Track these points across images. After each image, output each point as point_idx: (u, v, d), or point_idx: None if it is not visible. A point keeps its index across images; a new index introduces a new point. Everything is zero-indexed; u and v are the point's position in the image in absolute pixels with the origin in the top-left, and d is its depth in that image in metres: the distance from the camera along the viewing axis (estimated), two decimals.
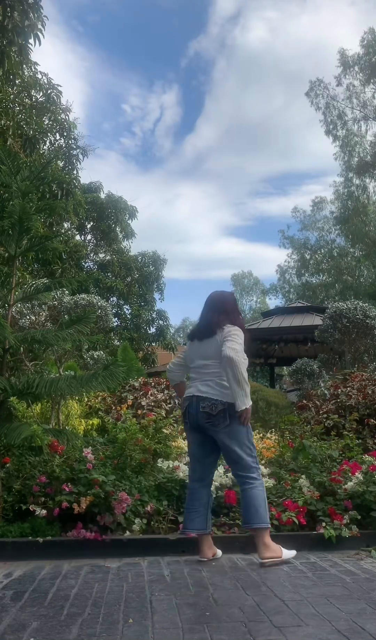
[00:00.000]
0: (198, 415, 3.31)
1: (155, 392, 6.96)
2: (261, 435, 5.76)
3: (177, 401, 6.91)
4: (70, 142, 14.05)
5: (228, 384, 3.22)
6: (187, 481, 3.88)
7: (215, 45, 66.67)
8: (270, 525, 3.28)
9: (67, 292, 8.04)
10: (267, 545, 3.22)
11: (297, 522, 3.62)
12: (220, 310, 3.47)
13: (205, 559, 3.29)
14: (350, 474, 4.06)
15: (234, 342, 3.25)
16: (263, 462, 4.52)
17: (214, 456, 3.47)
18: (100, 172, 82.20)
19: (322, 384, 8.01)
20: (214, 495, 3.87)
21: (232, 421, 3.25)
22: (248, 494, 3.26)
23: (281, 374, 26.68)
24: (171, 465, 4.15)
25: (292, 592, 2.73)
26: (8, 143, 9.03)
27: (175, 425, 5.40)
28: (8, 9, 6.48)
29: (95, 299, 8.69)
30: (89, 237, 21.64)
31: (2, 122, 9.55)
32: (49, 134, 12.89)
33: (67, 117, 13.28)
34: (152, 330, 21.20)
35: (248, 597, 2.66)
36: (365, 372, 7.56)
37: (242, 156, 77.04)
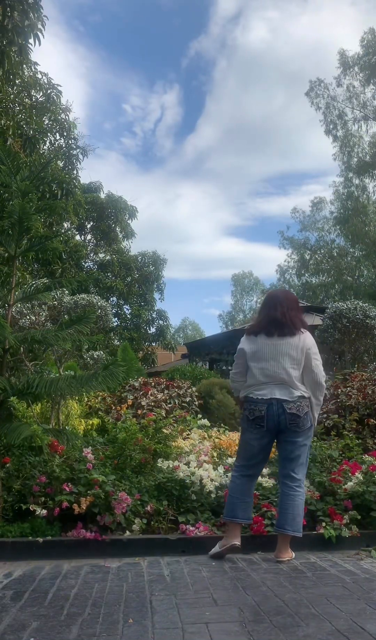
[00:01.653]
0: (282, 416, 3.31)
1: (155, 392, 6.96)
2: None
3: (176, 401, 6.91)
4: (70, 142, 14.07)
5: (312, 400, 3.40)
6: (187, 481, 3.89)
7: (215, 45, 66.83)
8: (301, 535, 3.35)
9: (67, 292, 8.06)
10: (287, 550, 3.35)
11: None
12: (292, 307, 3.50)
13: (239, 544, 3.32)
14: (350, 474, 4.06)
15: (320, 362, 3.43)
16: None
17: (268, 455, 3.56)
18: (100, 172, 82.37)
19: None
20: (214, 496, 3.88)
21: (312, 423, 3.39)
22: (291, 500, 3.34)
23: None
24: (171, 465, 4.14)
25: (292, 592, 2.73)
26: (8, 143, 9.02)
27: (175, 425, 5.40)
28: (8, 8, 6.48)
29: (95, 299, 8.71)
30: (89, 237, 21.65)
31: (2, 122, 9.55)
32: (49, 134, 12.91)
33: (67, 117, 13.31)
34: (152, 330, 21.23)
35: (248, 597, 2.66)
36: (365, 372, 7.56)
37: (243, 156, 77.16)
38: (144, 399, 6.68)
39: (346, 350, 9.80)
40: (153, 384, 7.32)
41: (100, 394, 6.74)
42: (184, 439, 5.11)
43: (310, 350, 3.38)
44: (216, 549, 3.37)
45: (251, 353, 3.45)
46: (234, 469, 3.56)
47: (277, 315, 3.43)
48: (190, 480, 3.92)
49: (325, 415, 6.01)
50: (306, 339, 3.41)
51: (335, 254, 32.85)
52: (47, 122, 12.64)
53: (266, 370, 3.37)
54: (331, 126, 27.99)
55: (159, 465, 4.20)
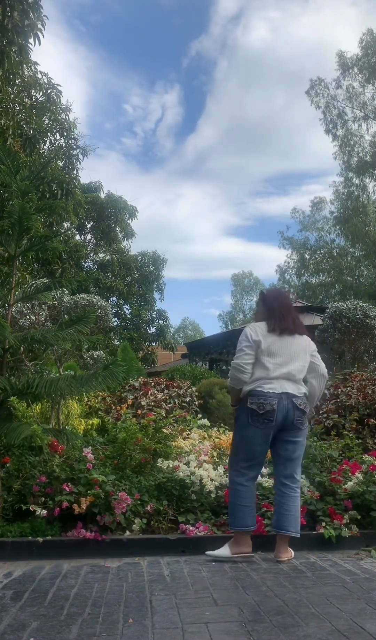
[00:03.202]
0: (290, 412, 3.29)
1: (155, 392, 6.96)
2: None
3: (176, 401, 6.91)
4: (70, 142, 14.06)
5: (311, 393, 3.45)
6: (187, 481, 3.89)
7: (216, 45, 66.80)
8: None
9: (67, 292, 8.05)
10: (287, 549, 3.35)
11: None
12: (296, 310, 3.62)
13: (252, 554, 3.34)
14: (350, 474, 4.05)
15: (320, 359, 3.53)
16: None
17: (266, 455, 3.55)
18: (101, 172, 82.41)
19: None
20: (214, 495, 3.88)
21: (308, 422, 3.45)
22: (292, 501, 3.33)
23: None
24: (171, 465, 4.15)
25: (292, 592, 2.73)
26: (8, 143, 9.02)
27: (175, 425, 5.40)
28: (8, 8, 6.48)
29: (95, 298, 8.71)
30: (88, 237, 21.66)
31: (2, 122, 9.55)
32: (49, 134, 12.90)
33: (67, 116, 13.30)
34: (152, 330, 21.24)
35: (248, 597, 2.66)
36: (365, 372, 7.56)
37: (243, 156, 77.14)
38: (144, 398, 6.68)
39: (346, 350, 9.80)
40: (153, 383, 7.32)
41: (100, 394, 6.74)
42: (184, 439, 5.11)
43: (313, 352, 3.50)
44: (226, 553, 3.30)
45: (266, 347, 3.37)
46: (235, 473, 3.40)
47: (292, 315, 3.51)
48: (190, 480, 3.92)
49: (325, 415, 6.01)
50: (311, 342, 3.52)
51: (335, 254, 32.83)
52: (47, 122, 12.64)
53: (280, 367, 3.33)
54: (331, 125, 28.01)
55: (159, 465, 4.20)
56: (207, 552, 3.36)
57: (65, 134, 13.73)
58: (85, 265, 20.33)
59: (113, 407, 6.55)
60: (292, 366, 3.36)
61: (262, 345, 3.37)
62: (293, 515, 3.31)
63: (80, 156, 14.43)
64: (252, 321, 3.67)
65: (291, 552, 3.35)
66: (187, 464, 4.16)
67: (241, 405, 3.40)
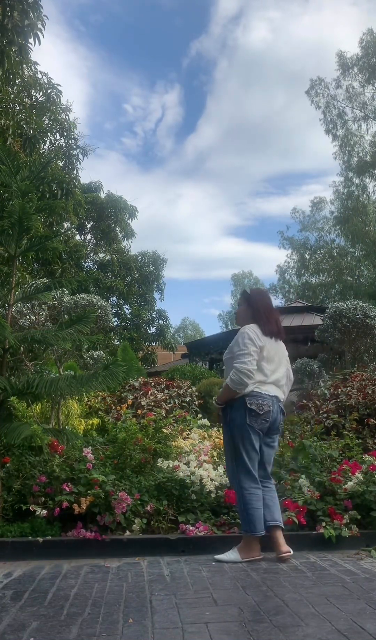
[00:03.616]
0: (278, 414, 3.44)
1: (155, 392, 6.96)
2: None
3: (176, 401, 6.91)
4: (70, 142, 14.07)
5: (284, 395, 3.57)
6: (187, 481, 3.89)
7: (216, 45, 66.58)
8: None
9: (67, 292, 8.05)
10: (284, 541, 3.37)
11: (297, 521, 3.62)
12: None
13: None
14: (350, 474, 4.06)
15: None
16: None
17: None
18: (101, 172, 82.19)
19: (322, 384, 8.01)
20: (214, 495, 3.88)
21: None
22: (276, 494, 3.47)
23: None
24: (171, 465, 4.15)
25: (292, 592, 2.73)
26: (8, 143, 9.03)
27: (175, 425, 5.40)
28: (8, 8, 6.48)
29: (95, 298, 8.69)
30: (88, 236, 21.65)
31: (2, 121, 9.55)
32: (49, 134, 12.91)
33: (67, 116, 13.32)
34: (152, 330, 21.23)
35: (248, 597, 2.66)
36: (365, 372, 7.56)
37: (243, 156, 76.96)
38: (144, 398, 6.68)
39: (346, 350, 9.79)
40: (153, 383, 7.32)
41: (100, 394, 6.74)
42: (184, 438, 5.12)
43: (287, 358, 3.64)
44: (236, 558, 3.27)
45: (266, 352, 3.42)
46: (245, 478, 3.35)
47: (275, 318, 3.57)
48: (190, 480, 3.92)
49: (325, 415, 6.01)
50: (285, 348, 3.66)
51: (335, 254, 32.83)
52: (47, 122, 12.65)
53: (273, 373, 3.44)
54: (331, 125, 28.02)
55: (159, 465, 4.20)
56: (216, 557, 3.31)
57: (65, 134, 13.74)
58: (85, 265, 20.32)
59: (113, 407, 6.55)
60: (280, 372, 3.50)
61: (263, 350, 3.42)
62: (275, 508, 3.40)
63: (80, 156, 14.46)
64: (251, 316, 3.66)
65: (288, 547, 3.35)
66: (187, 463, 4.16)
67: (236, 406, 3.38)
